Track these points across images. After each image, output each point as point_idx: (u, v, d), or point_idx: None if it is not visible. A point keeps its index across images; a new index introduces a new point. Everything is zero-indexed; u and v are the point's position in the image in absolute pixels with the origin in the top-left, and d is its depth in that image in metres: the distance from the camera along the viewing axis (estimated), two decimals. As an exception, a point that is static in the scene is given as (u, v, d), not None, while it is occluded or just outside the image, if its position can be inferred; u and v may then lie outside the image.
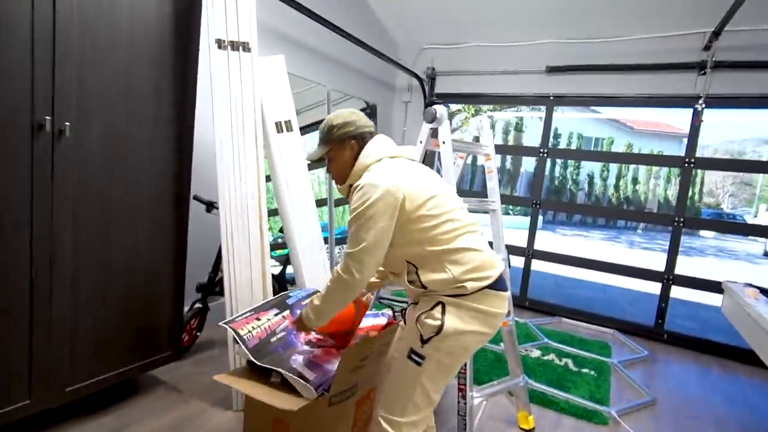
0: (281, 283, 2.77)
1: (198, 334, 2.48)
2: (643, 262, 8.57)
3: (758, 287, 2.17)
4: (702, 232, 15.97)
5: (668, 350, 3.39)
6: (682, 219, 3.51)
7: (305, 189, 2.26)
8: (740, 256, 11.52)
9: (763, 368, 3.10)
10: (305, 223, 2.23)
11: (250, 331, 1.43)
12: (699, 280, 3.58)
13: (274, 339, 1.46)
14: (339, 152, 1.37)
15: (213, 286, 2.43)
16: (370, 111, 4.55)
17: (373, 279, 1.64)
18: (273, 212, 2.81)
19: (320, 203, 3.75)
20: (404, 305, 2.55)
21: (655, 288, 3.67)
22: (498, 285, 1.24)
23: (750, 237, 14.16)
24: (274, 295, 1.85)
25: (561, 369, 2.77)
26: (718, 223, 9.03)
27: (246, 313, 1.52)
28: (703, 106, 3.33)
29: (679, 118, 18.51)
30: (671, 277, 3.55)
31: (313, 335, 1.55)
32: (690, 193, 17.40)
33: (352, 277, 1.21)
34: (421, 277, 1.23)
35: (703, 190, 18.57)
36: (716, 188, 21.66)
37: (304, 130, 2.88)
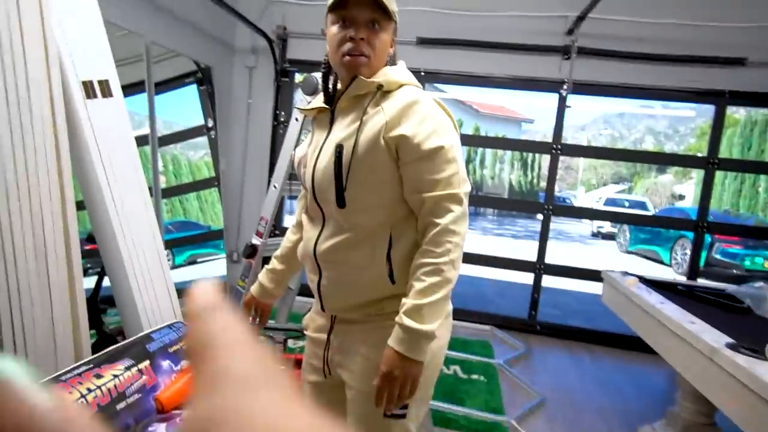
0: (95, 307, 2.25)
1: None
2: (500, 250, 9.83)
3: (636, 275, 2.54)
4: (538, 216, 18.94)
5: (542, 341, 3.83)
6: (551, 207, 3.98)
7: (134, 175, 1.83)
8: (575, 238, 14.02)
9: (618, 348, 3.74)
10: (136, 220, 1.81)
11: (83, 396, 1.05)
12: (569, 268, 4.13)
13: (122, 405, 1.11)
14: (388, 31, 1.13)
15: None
16: (203, 75, 4.05)
17: (278, 265, 1.40)
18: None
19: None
20: (295, 332, 2.32)
21: (521, 277, 4.11)
22: None
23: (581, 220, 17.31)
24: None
25: (452, 378, 2.89)
26: (584, 211, 10.80)
27: (80, 367, 1.12)
28: (569, 91, 3.80)
29: (518, 102, 21.58)
30: (542, 267, 4.01)
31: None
32: (529, 177, 20.57)
33: (465, 228, 1.05)
34: (393, 258, 1.07)
35: (540, 175, 22.06)
36: (547, 172, 26.03)
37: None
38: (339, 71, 1.16)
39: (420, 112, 1.06)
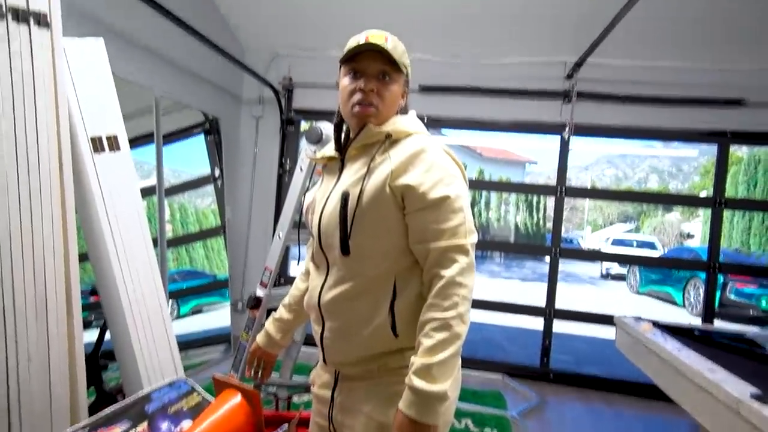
0: (95, 363, 2.19)
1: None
2: (509, 294, 9.68)
3: (650, 321, 2.47)
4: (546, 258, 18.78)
5: (556, 391, 3.69)
6: (558, 250, 3.93)
7: (139, 227, 1.83)
8: (585, 280, 13.81)
9: (637, 397, 3.59)
10: (139, 274, 1.79)
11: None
12: (580, 313, 4.03)
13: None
14: (399, 83, 1.15)
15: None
16: (210, 126, 4.13)
17: (285, 314, 1.38)
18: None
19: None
20: (299, 388, 2.25)
21: (532, 322, 4.01)
22: None
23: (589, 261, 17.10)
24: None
25: (463, 432, 2.77)
26: (592, 253, 10.63)
27: (77, 430, 1.08)
28: (570, 134, 3.83)
29: (521, 145, 21.88)
30: (553, 312, 3.92)
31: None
32: (535, 218, 20.56)
33: (473, 280, 1.01)
34: (397, 310, 1.04)
35: (546, 216, 22.04)
36: (552, 213, 26.02)
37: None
38: (349, 121, 1.17)
39: (426, 160, 1.06)
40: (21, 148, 1.46)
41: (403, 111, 1.20)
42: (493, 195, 20.12)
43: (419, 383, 0.93)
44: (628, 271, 11.64)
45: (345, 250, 1.07)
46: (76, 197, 1.65)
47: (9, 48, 1.45)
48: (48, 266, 1.52)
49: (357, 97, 1.10)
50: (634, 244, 13.59)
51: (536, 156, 22.27)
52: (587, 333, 5.18)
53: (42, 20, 1.49)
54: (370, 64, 1.11)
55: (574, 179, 23.53)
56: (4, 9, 1.43)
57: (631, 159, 28.09)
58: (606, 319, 3.29)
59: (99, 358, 2.21)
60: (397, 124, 1.13)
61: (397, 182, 1.04)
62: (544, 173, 23.48)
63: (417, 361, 0.95)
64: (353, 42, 1.12)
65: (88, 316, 3.06)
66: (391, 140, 1.11)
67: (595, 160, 28.34)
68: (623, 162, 28.67)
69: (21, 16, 1.45)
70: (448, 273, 0.98)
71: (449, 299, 0.97)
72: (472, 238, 1.04)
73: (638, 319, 2.57)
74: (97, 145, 1.66)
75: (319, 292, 1.14)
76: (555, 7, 3.43)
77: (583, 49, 3.34)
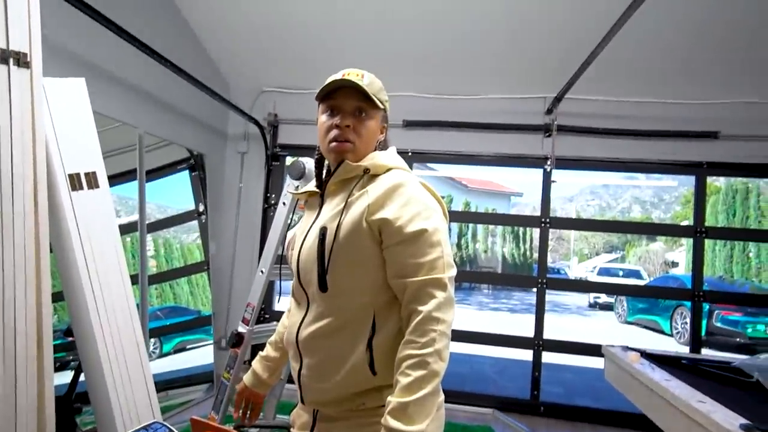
0: (68, 406, 2.11)
1: None
2: (497, 325, 9.60)
3: (637, 350, 2.45)
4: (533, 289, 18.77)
5: (547, 424, 3.62)
6: (545, 281, 3.93)
7: (117, 265, 1.79)
8: (572, 309, 13.78)
9: (629, 428, 3.53)
10: (116, 313, 1.74)
11: None
12: (569, 344, 3.99)
13: None
14: (376, 119, 1.15)
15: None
16: (195, 162, 4.13)
17: (272, 352, 1.36)
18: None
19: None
20: (281, 429, 2.17)
21: (521, 353, 3.96)
22: None
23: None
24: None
25: (453, 471, 2.68)
26: (579, 283, 10.61)
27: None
28: (552, 166, 3.89)
29: (506, 177, 22.15)
30: (541, 343, 3.88)
31: None
32: (522, 249, 20.61)
33: (452, 316, 0.99)
34: (375, 347, 1.01)
35: (532, 247, 22.14)
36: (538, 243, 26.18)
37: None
38: (327, 157, 1.18)
39: (404, 194, 1.05)
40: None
41: (383, 146, 1.21)
42: (480, 226, 20.21)
43: (395, 424, 0.90)
44: (615, 301, 11.67)
45: (323, 286, 1.05)
46: (52, 235, 1.62)
47: (-12, 86, 1.44)
48: (19, 304, 1.47)
49: (333, 133, 1.11)
50: (620, 273, 13.67)
51: (521, 188, 22.50)
52: (577, 363, 5.13)
53: (22, 60, 1.49)
54: (346, 101, 1.12)
55: (559, 210, 23.75)
56: (-16, 48, 1.43)
57: (614, 189, 28.58)
58: (594, 350, 3.25)
59: (73, 401, 2.12)
60: (375, 159, 1.13)
61: (375, 216, 1.03)
62: (530, 203, 23.74)
63: (393, 400, 0.92)
64: (330, 79, 1.14)
65: (65, 356, 2.97)
66: (369, 175, 1.11)
67: (579, 191, 28.78)
68: (606, 192, 29.16)
69: (1, 55, 1.45)
70: (425, 308, 0.96)
71: (426, 335, 0.94)
72: (450, 272, 1.02)
73: (626, 348, 2.55)
74: (75, 182, 1.65)
75: (297, 328, 1.11)
76: (534, 44, 3.54)
77: (562, 85, 3.43)
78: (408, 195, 1.06)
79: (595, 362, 3.34)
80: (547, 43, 3.52)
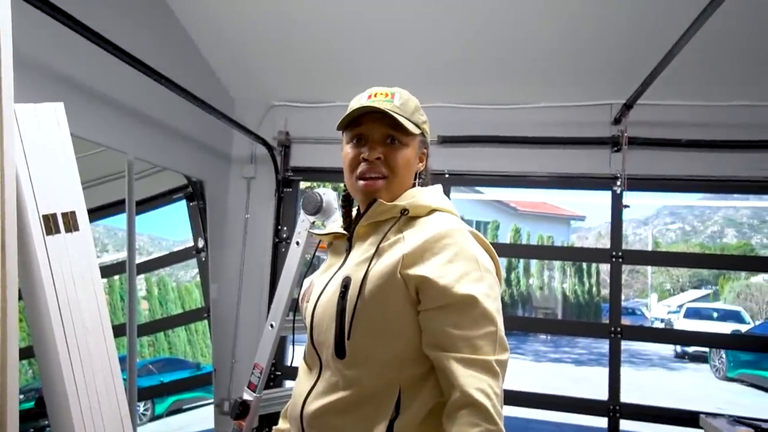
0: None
1: None
2: (560, 382, 9.30)
3: (750, 424, 2.31)
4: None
5: None
6: (619, 328, 3.78)
7: (97, 319, 1.81)
8: (654, 361, 13.30)
9: None
10: (96, 372, 1.75)
11: None
12: (654, 409, 3.77)
13: None
14: (412, 146, 1.13)
15: None
16: (193, 190, 4.19)
17: (284, 425, 1.31)
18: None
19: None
20: None
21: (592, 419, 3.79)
22: None
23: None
24: None
25: None
26: (665, 333, 10.10)
27: None
28: (623, 188, 3.79)
29: (563, 199, 21.87)
30: (618, 408, 3.71)
31: None
32: (587, 285, 20.16)
33: (500, 409, 0.93)
34: (397, 431, 0.96)
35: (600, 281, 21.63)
36: (608, 278, 25.50)
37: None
38: (355, 196, 1.16)
39: (450, 247, 1.00)
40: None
41: (424, 178, 1.18)
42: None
43: None
44: (710, 350, 11.18)
45: (340, 351, 1.01)
46: (22, 285, 1.64)
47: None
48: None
49: (362, 168, 1.09)
50: (715, 315, 13.14)
51: (583, 209, 22.11)
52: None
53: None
54: (375, 127, 1.09)
55: (631, 236, 23.14)
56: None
57: (700, 210, 27.70)
58: (690, 419, 3.08)
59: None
60: (416, 197, 1.10)
61: (411, 271, 0.99)
62: (595, 229, 23.22)
63: None
64: (355, 102, 1.12)
65: (39, 423, 2.99)
66: (407, 216, 1.07)
67: (656, 212, 27.90)
68: (690, 214, 28.26)
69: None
70: (468, 399, 0.90)
71: None
72: (502, 355, 0.97)
73: (734, 420, 2.41)
74: (50, 224, 1.67)
75: (304, 399, 1.07)
76: (595, 40, 3.48)
77: (633, 89, 3.36)
78: (456, 248, 1.01)
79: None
80: (612, 38, 3.45)
